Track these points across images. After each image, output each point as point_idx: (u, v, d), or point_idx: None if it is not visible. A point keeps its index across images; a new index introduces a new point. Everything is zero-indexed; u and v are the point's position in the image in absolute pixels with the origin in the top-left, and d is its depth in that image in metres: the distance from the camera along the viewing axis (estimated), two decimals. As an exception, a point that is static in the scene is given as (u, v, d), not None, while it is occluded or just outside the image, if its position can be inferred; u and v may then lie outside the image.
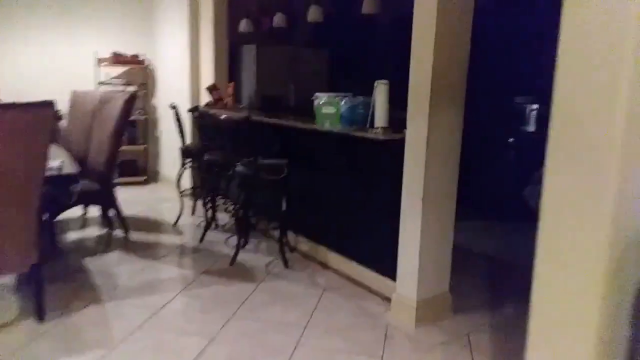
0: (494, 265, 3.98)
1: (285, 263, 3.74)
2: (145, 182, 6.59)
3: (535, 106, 5.13)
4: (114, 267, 3.72)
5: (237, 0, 5.21)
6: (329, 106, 3.11)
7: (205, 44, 5.55)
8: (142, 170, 6.66)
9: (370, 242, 3.34)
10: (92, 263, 3.78)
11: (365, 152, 3.21)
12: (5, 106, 2.76)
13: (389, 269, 3.10)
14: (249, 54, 5.34)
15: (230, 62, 5.54)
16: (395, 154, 2.97)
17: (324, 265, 3.75)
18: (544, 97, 5.31)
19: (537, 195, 4.71)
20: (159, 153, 6.73)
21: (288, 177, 3.65)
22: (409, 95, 2.83)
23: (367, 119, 3.07)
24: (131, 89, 6.30)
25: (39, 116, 2.63)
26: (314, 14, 3.98)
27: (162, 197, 5.91)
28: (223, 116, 3.81)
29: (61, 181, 3.53)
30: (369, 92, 3.30)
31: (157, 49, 6.53)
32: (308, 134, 3.71)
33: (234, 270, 3.67)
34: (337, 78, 5.56)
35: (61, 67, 6.30)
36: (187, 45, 5.67)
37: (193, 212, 5.09)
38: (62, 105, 5.04)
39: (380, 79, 3.03)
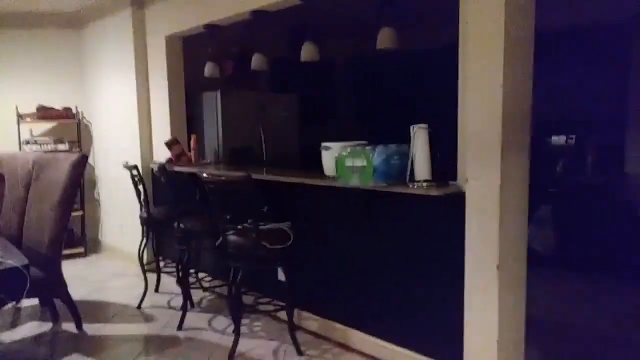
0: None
1: (298, 349, 3.06)
2: (84, 254, 5.58)
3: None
4: (74, 380, 2.86)
5: (198, 41, 4.54)
6: (356, 158, 2.57)
7: (157, 93, 4.85)
8: (79, 241, 5.66)
9: (415, 319, 2.74)
10: (41, 378, 2.88)
11: (404, 211, 2.66)
12: None
13: (445, 353, 2.54)
14: (211, 102, 4.69)
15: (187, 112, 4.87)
16: (444, 212, 2.48)
17: (345, 347, 3.11)
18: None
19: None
20: (99, 219, 5.78)
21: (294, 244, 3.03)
22: (461, 140, 2.37)
23: (403, 172, 2.55)
24: (62, 147, 5.42)
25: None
26: (308, 52, 3.43)
27: (110, 271, 4.98)
28: (204, 174, 3.14)
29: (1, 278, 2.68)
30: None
31: (92, 100, 5.68)
32: (317, 191, 3.12)
33: (238, 367, 2.94)
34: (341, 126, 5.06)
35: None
36: (134, 94, 4.93)
37: (157, 289, 4.25)
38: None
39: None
